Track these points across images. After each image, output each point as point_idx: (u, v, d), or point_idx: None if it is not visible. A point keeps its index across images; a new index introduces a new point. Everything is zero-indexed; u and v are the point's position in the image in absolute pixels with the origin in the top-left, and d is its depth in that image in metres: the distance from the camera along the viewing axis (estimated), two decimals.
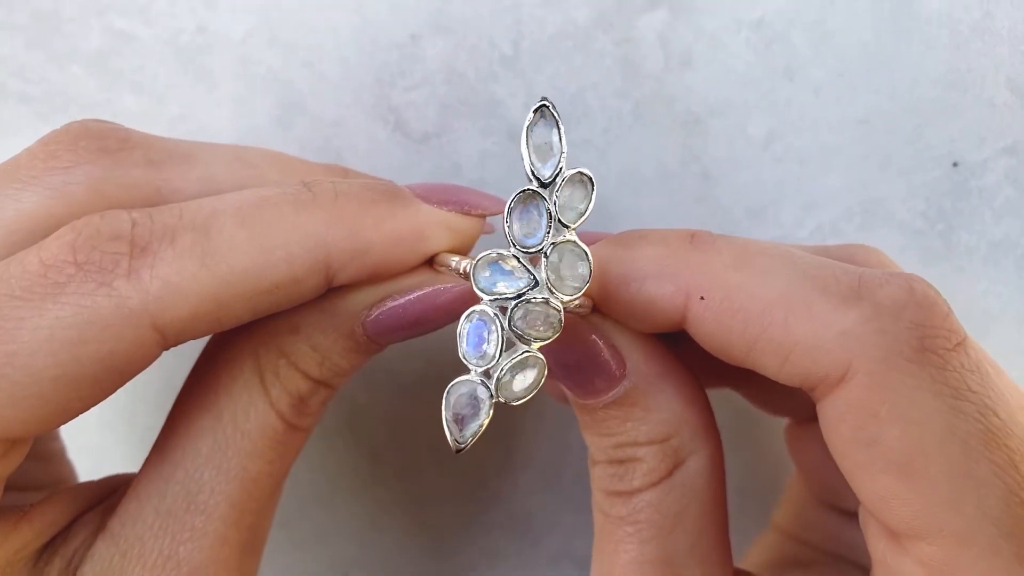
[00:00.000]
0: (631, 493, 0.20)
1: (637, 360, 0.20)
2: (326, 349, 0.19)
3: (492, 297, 0.18)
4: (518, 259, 0.18)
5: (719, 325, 0.18)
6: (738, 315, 0.18)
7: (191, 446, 0.19)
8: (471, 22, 0.27)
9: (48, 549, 0.19)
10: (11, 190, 0.17)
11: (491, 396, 0.18)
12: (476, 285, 0.18)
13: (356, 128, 0.28)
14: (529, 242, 0.18)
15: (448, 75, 0.27)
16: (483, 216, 0.21)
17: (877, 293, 0.17)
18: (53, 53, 0.28)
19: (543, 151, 0.18)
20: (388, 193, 0.19)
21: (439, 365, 0.31)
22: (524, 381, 0.18)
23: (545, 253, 0.18)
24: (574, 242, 0.18)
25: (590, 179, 0.18)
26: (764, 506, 0.32)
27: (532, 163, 0.18)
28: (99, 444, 0.32)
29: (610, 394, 0.20)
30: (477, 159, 0.28)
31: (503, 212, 0.18)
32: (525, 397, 0.18)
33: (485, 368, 0.18)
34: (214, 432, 0.19)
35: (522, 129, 0.18)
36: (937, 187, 0.29)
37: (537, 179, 0.18)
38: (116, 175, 0.18)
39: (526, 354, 0.18)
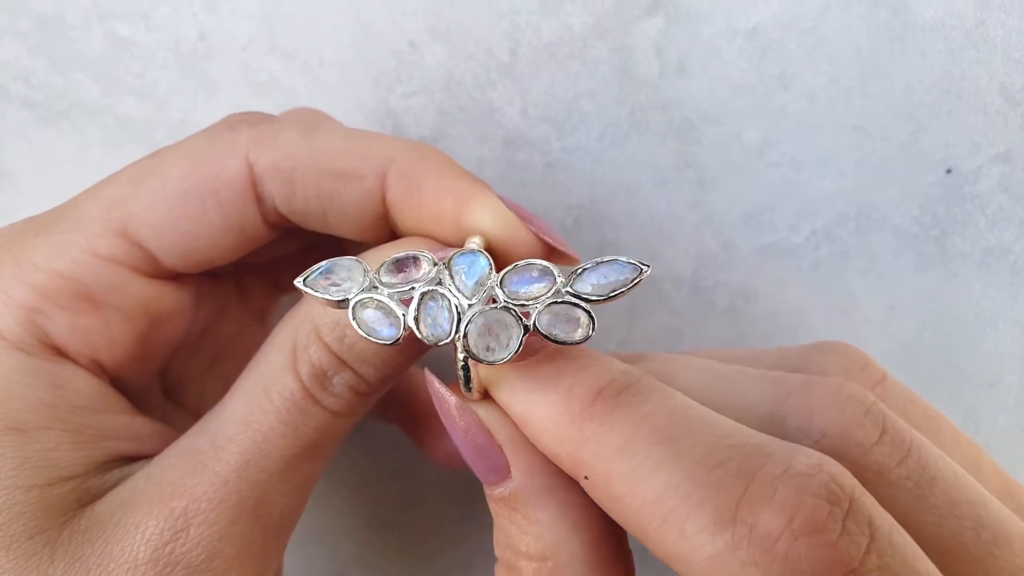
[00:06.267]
0: None
1: (522, 470, 0.19)
2: (344, 321, 0.20)
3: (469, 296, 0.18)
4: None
5: (603, 505, 0.17)
6: (618, 505, 0.17)
7: (227, 399, 0.21)
8: (469, 30, 0.27)
9: (121, 460, 0.21)
10: (188, 141, 0.23)
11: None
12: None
13: None
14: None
15: (446, 82, 0.28)
16: (544, 242, 0.20)
17: (757, 512, 0.15)
18: (56, 59, 0.28)
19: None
20: (475, 177, 0.21)
21: (438, 365, 0.31)
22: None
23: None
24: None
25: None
26: None
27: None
28: None
29: (498, 489, 0.19)
30: (475, 165, 0.29)
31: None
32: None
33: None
34: (245, 385, 0.21)
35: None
36: (931, 193, 0.29)
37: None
38: (260, 127, 0.23)
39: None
